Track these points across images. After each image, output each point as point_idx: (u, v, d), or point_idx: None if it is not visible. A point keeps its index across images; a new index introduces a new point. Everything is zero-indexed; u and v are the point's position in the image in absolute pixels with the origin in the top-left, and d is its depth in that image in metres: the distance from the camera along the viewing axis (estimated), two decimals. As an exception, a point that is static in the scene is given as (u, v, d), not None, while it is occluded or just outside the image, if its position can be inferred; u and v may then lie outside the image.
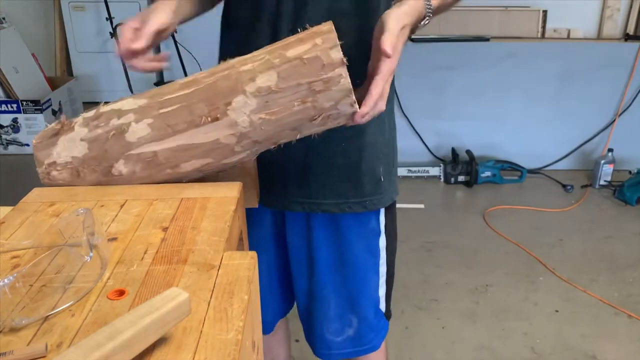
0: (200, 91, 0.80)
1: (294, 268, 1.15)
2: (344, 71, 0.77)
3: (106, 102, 0.88)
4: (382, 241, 1.13)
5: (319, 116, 0.80)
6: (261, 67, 0.78)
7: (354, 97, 0.79)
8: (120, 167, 0.83)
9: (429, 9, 0.88)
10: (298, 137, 0.85)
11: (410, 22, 0.85)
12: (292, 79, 0.77)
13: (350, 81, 0.77)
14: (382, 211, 1.11)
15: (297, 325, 2.09)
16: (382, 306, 1.19)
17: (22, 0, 3.92)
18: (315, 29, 0.79)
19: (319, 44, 0.77)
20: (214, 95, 0.79)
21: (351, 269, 1.12)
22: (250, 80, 0.78)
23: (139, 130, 0.81)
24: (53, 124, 0.87)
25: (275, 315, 1.30)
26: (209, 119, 0.80)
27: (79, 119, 0.85)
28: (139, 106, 0.82)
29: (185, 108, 0.80)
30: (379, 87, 0.80)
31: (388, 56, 0.79)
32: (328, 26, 0.79)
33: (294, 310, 2.29)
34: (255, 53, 0.82)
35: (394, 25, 0.81)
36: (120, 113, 0.83)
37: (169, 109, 0.81)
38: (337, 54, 0.77)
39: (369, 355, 1.20)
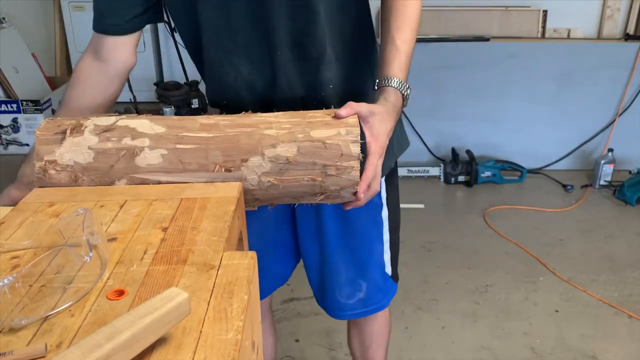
0: (220, 139, 0.83)
1: (305, 241, 1.23)
2: (357, 165, 0.84)
3: (119, 113, 0.89)
4: (385, 212, 1.22)
5: (321, 194, 0.87)
6: (284, 137, 0.83)
7: (357, 188, 0.86)
8: (121, 184, 0.84)
9: (407, 92, 0.97)
10: (296, 204, 0.90)
11: (392, 109, 0.94)
12: (310, 157, 0.83)
13: (359, 175, 0.85)
14: (383, 185, 1.19)
15: (297, 325, 2.10)
16: (388, 270, 1.28)
17: (22, 0, 3.92)
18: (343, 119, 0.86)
19: (342, 134, 0.84)
20: (233, 148, 0.83)
21: (358, 239, 1.21)
22: (272, 146, 0.83)
23: (150, 157, 0.82)
24: (60, 118, 0.87)
25: (272, 282, 1.32)
26: (222, 169, 0.83)
27: (90, 124, 0.84)
28: (156, 133, 0.83)
29: (202, 151, 0.83)
30: (371, 169, 0.88)
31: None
32: (354, 119, 0.86)
33: (295, 308, 2.29)
34: (280, 117, 0.87)
35: (363, 105, 0.89)
36: (135, 134, 0.83)
37: (186, 146, 0.83)
38: (356, 149, 0.84)
39: (377, 315, 1.32)
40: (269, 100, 1.05)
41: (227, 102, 1.09)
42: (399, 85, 0.96)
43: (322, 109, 0.94)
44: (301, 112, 0.89)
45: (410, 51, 1.00)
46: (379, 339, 1.41)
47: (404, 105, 0.98)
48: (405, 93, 0.97)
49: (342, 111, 0.86)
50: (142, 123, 0.84)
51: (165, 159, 0.82)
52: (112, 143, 0.82)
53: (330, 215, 1.17)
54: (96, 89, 1.07)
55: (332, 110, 0.88)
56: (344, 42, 1.06)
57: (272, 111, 0.92)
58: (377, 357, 1.43)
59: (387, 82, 0.96)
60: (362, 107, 0.89)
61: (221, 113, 1.09)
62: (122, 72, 1.08)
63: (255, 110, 0.93)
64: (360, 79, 1.10)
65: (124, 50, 1.07)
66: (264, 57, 1.03)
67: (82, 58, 1.08)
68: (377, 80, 0.98)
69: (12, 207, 0.78)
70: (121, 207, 0.76)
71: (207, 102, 1.14)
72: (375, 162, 0.88)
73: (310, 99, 1.05)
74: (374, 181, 0.89)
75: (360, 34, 1.09)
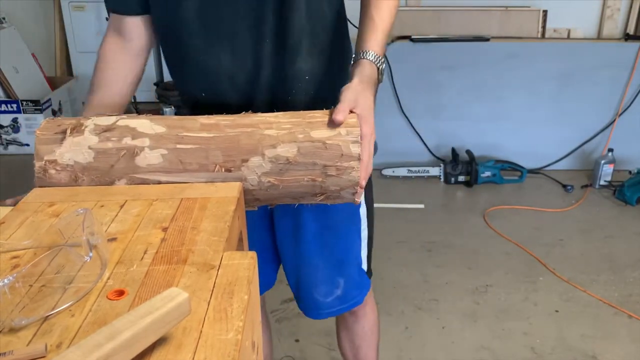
0: (220, 139, 0.84)
1: (282, 241, 1.23)
2: (357, 165, 0.84)
3: (119, 113, 0.90)
4: (363, 209, 1.22)
5: (322, 194, 0.87)
6: (285, 138, 0.83)
7: (358, 189, 0.86)
8: (121, 184, 0.84)
9: (381, 61, 0.97)
10: (296, 204, 0.90)
11: (368, 82, 0.93)
12: (310, 157, 0.83)
13: (359, 175, 0.84)
14: None
15: (297, 325, 2.10)
16: (364, 266, 1.29)
17: (22, 0, 3.92)
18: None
19: (343, 135, 0.84)
20: (233, 148, 0.83)
21: (336, 237, 1.21)
22: (272, 146, 0.83)
23: (151, 157, 0.83)
24: (60, 118, 0.87)
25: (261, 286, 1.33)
26: (223, 169, 0.83)
27: (90, 124, 0.84)
28: (156, 133, 0.83)
29: (202, 151, 0.83)
30: (365, 153, 0.86)
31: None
32: (354, 120, 0.86)
33: (295, 308, 2.29)
34: (280, 118, 0.86)
35: (346, 95, 0.89)
36: (135, 133, 0.83)
37: (186, 146, 0.83)
38: (356, 149, 0.84)
39: (365, 309, 1.33)
40: (249, 90, 1.05)
41: (205, 94, 1.09)
42: (374, 58, 0.96)
43: (296, 100, 0.93)
44: (301, 112, 0.89)
45: (387, 29, 1.01)
46: (369, 339, 1.42)
47: (379, 80, 0.98)
48: (381, 67, 0.97)
49: (339, 115, 0.85)
50: (143, 123, 0.85)
51: (165, 159, 0.83)
52: (112, 143, 0.82)
53: (308, 214, 1.17)
54: (126, 67, 1.12)
55: (332, 111, 0.88)
56: (324, 36, 1.07)
57: (252, 102, 0.92)
58: (368, 357, 1.44)
59: (364, 55, 0.97)
60: (346, 95, 0.89)
61: (194, 109, 1.09)
62: (144, 49, 1.13)
63: (234, 102, 0.93)
64: (334, 74, 1.11)
65: (144, 28, 1.10)
66: (249, 46, 1.03)
67: (104, 41, 1.11)
68: (354, 55, 0.99)
69: (12, 207, 0.78)
70: (121, 207, 0.77)
71: (180, 101, 1.14)
72: (367, 146, 0.87)
73: (285, 90, 1.06)
74: (368, 164, 0.88)
75: (338, 30, 1.10)
